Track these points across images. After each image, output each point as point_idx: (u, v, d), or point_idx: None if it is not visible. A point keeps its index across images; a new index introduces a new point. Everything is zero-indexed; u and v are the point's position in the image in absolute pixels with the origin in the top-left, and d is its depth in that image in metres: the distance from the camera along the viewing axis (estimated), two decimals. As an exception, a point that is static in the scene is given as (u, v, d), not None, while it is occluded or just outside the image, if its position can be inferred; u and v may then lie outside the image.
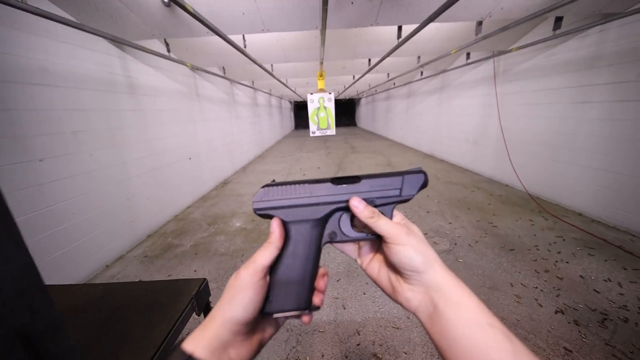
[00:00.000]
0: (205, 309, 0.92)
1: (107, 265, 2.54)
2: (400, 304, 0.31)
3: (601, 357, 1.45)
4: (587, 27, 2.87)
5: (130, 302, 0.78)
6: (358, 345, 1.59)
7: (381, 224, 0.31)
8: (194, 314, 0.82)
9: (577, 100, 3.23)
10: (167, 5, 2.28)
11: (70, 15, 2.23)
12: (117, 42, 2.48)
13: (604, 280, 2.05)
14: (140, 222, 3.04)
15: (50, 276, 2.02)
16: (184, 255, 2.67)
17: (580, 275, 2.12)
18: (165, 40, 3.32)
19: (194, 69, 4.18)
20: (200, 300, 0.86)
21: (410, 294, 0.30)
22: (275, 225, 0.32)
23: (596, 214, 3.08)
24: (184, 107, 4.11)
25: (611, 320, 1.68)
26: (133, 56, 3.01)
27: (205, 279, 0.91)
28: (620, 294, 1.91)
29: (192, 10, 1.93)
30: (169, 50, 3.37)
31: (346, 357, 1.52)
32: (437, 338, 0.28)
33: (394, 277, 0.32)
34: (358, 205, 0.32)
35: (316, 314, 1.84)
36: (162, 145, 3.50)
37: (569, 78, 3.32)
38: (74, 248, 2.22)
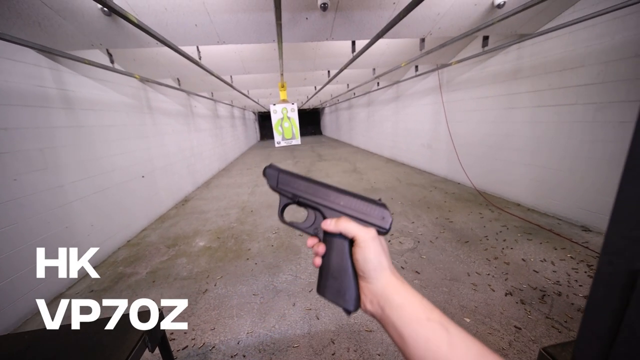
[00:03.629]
0: (161, 343, 0.83)
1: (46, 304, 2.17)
2: (362, 309, 0.35)
3: (544, 330, 1.65)
4: (507, 45, 3.38)
5: (64, 350, 0.67)
6: (333, 354, 1.57)
7: (349, 226, 0.35)
8: (146, 351, 0.74)
9: (507, 106, 3.74)
10: (108, 14, 2.11)
11: (-15, 21, 1.94)
12: (48, 52, 2.21)
13: (541, 260, 2.36)
14: (83, 253, 2.66)
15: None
16: (139, 284, 2.40)
17: (522, 259, 2.40)
18: (107, 50, 3.05)
19: (144, 80, 3.90)
20: (154, 334, 0.78)
21: (364, 298, 0.34)
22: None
23: (531, 204, 3.55)
24: (135, 121, 3.79)
25: (549, 295, 1.93)
26: (69, 68, 2.70)
27: (159, 309, 0.83)
28: (553, 271, 2.20)
29: (136, 21, 1.81)
30: (112, 62, 3.11)
31: (322, 369, 1.49)
32: (393, 338, 0.31)
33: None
34: (330, 224, 0.36)
35: (289, 329, 1.79)
36: (109, 163, 3.16)
37: (499, 87, 3.84)
38: (-6, 292, 1.86)
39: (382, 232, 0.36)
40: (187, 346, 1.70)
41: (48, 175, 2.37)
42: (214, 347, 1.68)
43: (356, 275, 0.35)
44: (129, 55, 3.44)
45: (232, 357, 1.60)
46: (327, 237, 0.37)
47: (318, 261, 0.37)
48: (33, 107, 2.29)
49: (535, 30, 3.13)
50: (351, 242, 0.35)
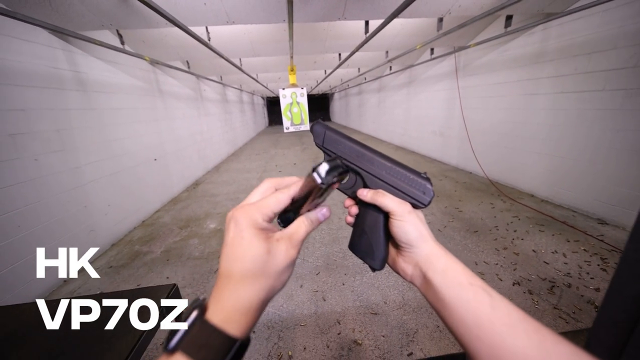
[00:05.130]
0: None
1: (64, 281, 2.32)
2: (399, 274, 0.36)
3: (550, 319, 1.65)
4: (533, 25, 3.15)
5: (88, 317, 0.71)
6: (339, 334, 1.63)
7: (386, 200, 0.35)
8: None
9: (526, 92, 3.55)
10: (117, -8, 2.08)
11: (-2, 0, 1.94)
12: (60, 32, 2.22)
13: (552, 252, 2.32)
14: (101, 231, 2.79)
15: (-5, 298, 1.80)
16: (154, 262, 2.52)
17: (533, 250, 2.37)
18: (117, 31, 3.03)
19: (154, 62, 3.88)
20: (170, 307, 0.82)
21: (404, 265, 0.35)
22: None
23: (545, 195, 3.45)
24: (146, 104, 3.82)
25: (558, 287, 1.91)
26: (81, 49, 2.71)
27: (175, 284, 0.87)
28: (564, 263, 2.17)
29: (146, -1, 1.78)
30: (122, 43, 3.09)
31: (328, 347, 1.55)
32: (432, 302, 0.32)
33: (394, 251, 0.37)
34: (366, 195, 0.36)
35: (296, 309, 1.85)
36: (122, 146, 3.23)
37: (519, 72, 3.63)
38: (21, 264, 1.99)
39: (419, 206, 0.36)
40: (200, 320, 1.79)
41: (65, 156, 2.45)
42: (225, 322, 1.77)
43: (387, 239, 0.36)
44: (138, 37, 3.41)
45: (242, 332, 1.68)
46: (363, 203, 0.37)
47: (350, 219, 0.40)
48: (48, 89, 2.32)
49: (564, 8, 2.90)
50: (386, 213, 0.36)
